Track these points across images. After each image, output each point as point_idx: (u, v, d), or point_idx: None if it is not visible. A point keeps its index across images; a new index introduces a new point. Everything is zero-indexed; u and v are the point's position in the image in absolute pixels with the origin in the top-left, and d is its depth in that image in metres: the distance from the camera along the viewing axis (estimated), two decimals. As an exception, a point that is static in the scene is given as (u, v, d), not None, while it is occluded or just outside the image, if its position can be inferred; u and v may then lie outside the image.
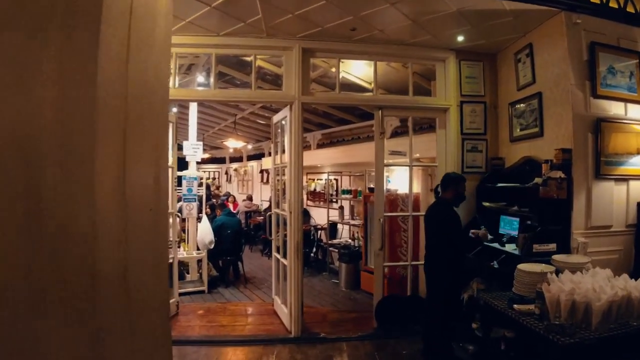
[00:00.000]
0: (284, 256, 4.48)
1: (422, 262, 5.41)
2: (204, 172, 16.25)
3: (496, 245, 3.97)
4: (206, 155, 13.95)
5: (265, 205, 11.83)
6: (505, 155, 4.60)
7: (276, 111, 5.16)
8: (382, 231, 4.34)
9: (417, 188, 6.46)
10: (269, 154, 12.02)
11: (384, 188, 4.43)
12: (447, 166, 4.53)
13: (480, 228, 4.21)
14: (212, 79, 4.08)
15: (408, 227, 6.16)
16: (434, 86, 4.86)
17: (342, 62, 4.55)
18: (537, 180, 3.67)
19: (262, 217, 10.23)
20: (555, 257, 3.08)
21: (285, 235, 4.46)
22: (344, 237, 7.87)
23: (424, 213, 5.65)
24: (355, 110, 7.63)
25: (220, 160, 16.21)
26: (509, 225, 4.19)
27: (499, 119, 4.74)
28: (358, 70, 5.70)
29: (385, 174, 7.14)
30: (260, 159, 12.26)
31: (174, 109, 9.12)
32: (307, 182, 9.41)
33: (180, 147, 6.53)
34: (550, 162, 3.59)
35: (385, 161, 4.38)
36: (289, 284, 4.21)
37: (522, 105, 4.25)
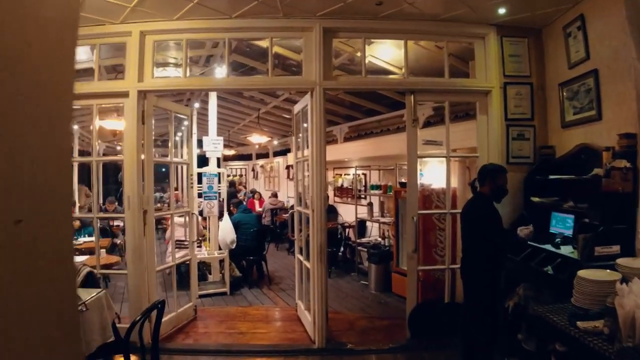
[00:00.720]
0: (307, 258, 4.11)
1: (457, 266, 4.97)
2: (231, 169, 16.16)
3: (548, 247, 3.44)
4: (232, 152, 13.80)
5: (292, 202, 11.53)
6: (556, 143, 4.05)
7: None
8: (416, 231, 3.88)
9: (453, 182, 5.93)
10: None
11: (418, 183, 3.96)
12: (490, 157, 4.02)
13: (528, 226, 3.71)
14: (225, 66, 3.74)
15: (446, 225, 5.65)
16: (473, 67, 4.34)
17: (369, 43, 4.10)
18: (597, 171, 3.16)
19: (288, 215, 9.92)
20: (621, 261, 2.56)
21: (308, 235, 4.08)
22: (373, 235, 7.42)
23: (456, 210, 5.22)
24: (384, 100, 7.14)
25: (246, 157, 16.05)
26: (562, 224, 3.66)
27: (548, 102, 4.20)
28: (385, 55, 5.23)
29: (418, 167, 6.68)
30: (286, 154, 11.95)
31: (196, 104, 8.92)
32: (333, 177, 9.00)
33: (200, 144, 6.30)
34: (613, 150, 3.05)
35: (418, 152, 3.90)
36: (312, 289, 3.83)
37: (574, 85, 3.70)
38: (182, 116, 4.39)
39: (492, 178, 3.26)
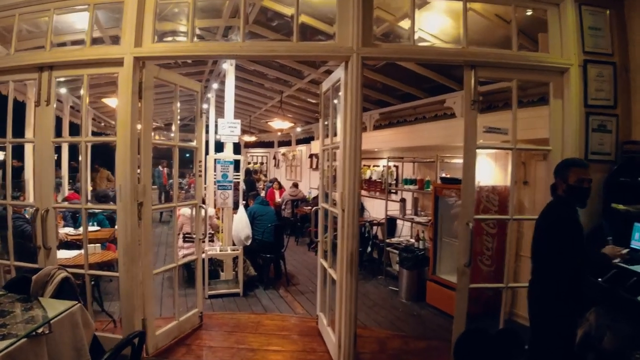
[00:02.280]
0: (332, 266, 3.41)
1: (519, 284, 4.18)
2: (252, 156, 15.58)
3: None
4: (253, 139, 13.18)
5: (315, 193, 10.83)
6: (642, 137, 3.25)
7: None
8: (471, 240, 3.11)
9: (501, 180, 5.10)
10: (319, 137, 10.97)
11: (474, 180, 3.17)
12: (565, 150, 3.22)
13: (607, 241, 2.95)
14: (240, 29, 3.02)
15: (498, 231, 4.85)
16: (543, 41, 3.51)
17: (419, 6, 3.29)
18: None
19: (309, 207, 9.23)
20: None
21: (335, 237, 3.38)
22: (404, 235, 6.64)
23: (521, 216, 4.42)
24: (423, 83, 6.29)
25: (268, 145, 15.41)
26: (648, 239, 2.90)
27: (633, 88, 3.39)
28: (432, 27, 4.40)
29: (461, 160, 5.83)
30: (310, 142, 11.21)
31: (215, 85, 8.28)
32: (361, 168, 8.22)
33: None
34: None
35: (478, 142, 3.11)
36: (339, 305, 3.13)
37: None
38: (190, 92, 3.72)
39: (561, 174, 2.59)
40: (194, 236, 5.33)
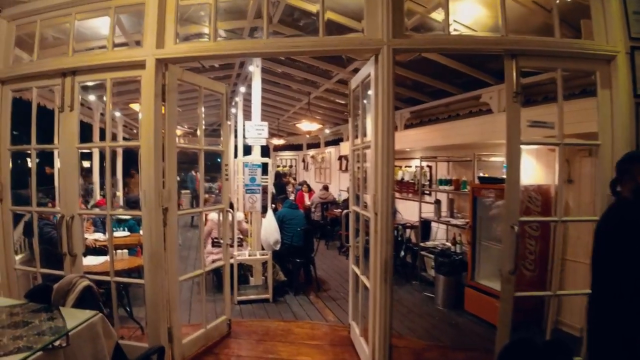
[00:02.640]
0: (365, 273, 3.21)
1: (567, 292, 3.87)
2: (281, 159, 15.55)
3: None
4: (281, 142, 13.13)
5: (344, 196, 10.63)
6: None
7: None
8: (517, 245, 2.83)
9: (543, 178, 4.75)
10: (348, 138, 10.79)
11: (519, 179, 2.89)
12: (615, 144, 2.89)
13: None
14: (264, 26, 2.88)
15: (541, 233, 4.52)
16: (586, 27, 3.20)
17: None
18: None
19: (340, 210, 9.04)
20: None
21: (367, 242, 3.19)
22: (439, 238, 6.33)
23: (569, 217, 4.09)
24: (456, 78, 5.99)
25: (297, 147, 15.34)
26: None
27: None
28: (465, 17, 4.13)
29: (499, 158, 5.49)
30: (339, 144, 11.03)
31: (242, 89, 8.26)
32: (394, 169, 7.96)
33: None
34: None
35: (522, 138, 2.85)
36: (372, 315, 2.92)
37: None
38: (216, 94, 3.62)
39: (628, 171, 2.21)
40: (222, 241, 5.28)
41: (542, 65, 3.14)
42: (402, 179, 7.59)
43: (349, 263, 3.67)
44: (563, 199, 3.50)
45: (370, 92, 2.99)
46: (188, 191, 13.10)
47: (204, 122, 4.28)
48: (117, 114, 7.59)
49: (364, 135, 3.34)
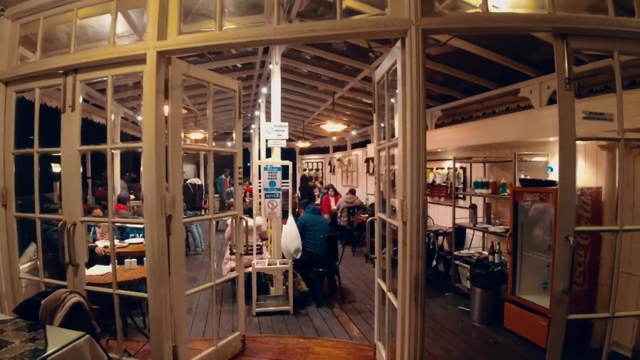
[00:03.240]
0: (393, 289, 2.82)
1: (628, 313, 3.34)
2: (307, 162, 15.26)
3: None
4: (307, 144, 12.84)
5: (372, 200, 10.20)
6: None
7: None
8: (572, 258, 2.37)
9: (591, 179, 4.21)
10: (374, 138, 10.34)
11: (575, 181, 2.43)
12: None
13: None
14: (274, 10, 2.56)
15: (591, 242, 3.99)
16: None
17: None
18: None
19: (366, 215, 8.63)
20: None
21: (394, 252, 2.81)
22: (474, 246, 5.83)
23: (633, 226, 3.55)
24: (491, 72, 5.49)
25: (323, 150, 15.01)
26: None
27: None
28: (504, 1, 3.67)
29: (542, 158, 4.96)
30: (366, 145, 10.63)
31: (264, 90, 8.01)
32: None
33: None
34: None
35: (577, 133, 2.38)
36: (400, 339, 2.52)
37: None
38: (227, 91, 3.34)
39: None
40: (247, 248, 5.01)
41: (597, 46, 2.65)
42: (434, 181, 7.12)
43: (375, 277, 3.28)
44: (625, 203, 2.99)
45: (397, 84, 2.62)
46: (217, 195, 13.01)
47: (224, 126, 4.03)
48: (140, 117, 7.47)
49: (392, 134, 2.95)
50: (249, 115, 12.14)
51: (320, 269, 5.30)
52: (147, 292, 2.79)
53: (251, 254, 5.08)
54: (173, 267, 2.83)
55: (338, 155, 13.56)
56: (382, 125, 3.24)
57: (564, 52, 2.42)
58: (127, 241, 5.19)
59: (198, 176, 12.95)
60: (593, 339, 3.98)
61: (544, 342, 3.92)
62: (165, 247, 2.76)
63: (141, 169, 2.78)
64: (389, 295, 2.83)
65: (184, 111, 5.32)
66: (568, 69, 2.41)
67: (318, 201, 10.71)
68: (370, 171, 10.75)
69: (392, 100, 2.93)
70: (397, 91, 2.83)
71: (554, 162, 4.61)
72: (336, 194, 10.43)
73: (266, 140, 5.25)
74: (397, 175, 2.49)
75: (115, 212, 6.48)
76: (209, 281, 3.23)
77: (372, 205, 9.55)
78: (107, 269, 3.95)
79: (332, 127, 7.57)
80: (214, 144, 3.36)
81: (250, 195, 10.90)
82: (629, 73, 3.87)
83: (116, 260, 3.04)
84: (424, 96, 2.32)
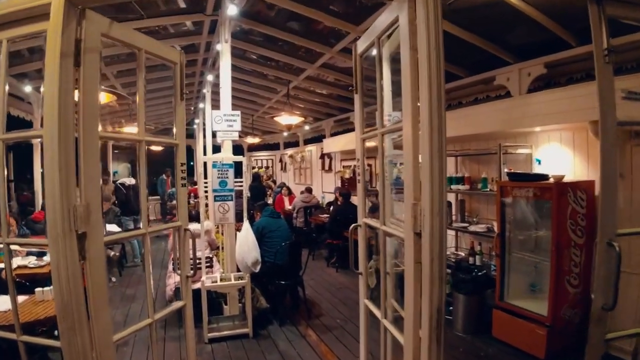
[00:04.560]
0: (386, 315, 2.21)
1: None
2: (255, 160, 14.42)
3: None
4: (256, 140, 11.99)
5: (328, 198, 9.62)
6: None
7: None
8: (618, 267, 1.89)
9: (582, 173, 3.91)
10: (331, 135, 9.77)
11: (616, 175, 1.95)
12: None
13: None
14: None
15: (586, 240, 3.67)
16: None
17: None
18: None
19: (325, 215, 8.02)
20: None
21: (397, 267, 2.20)
22: (448, 247, 5.41)
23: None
24: (464, 58, 5.07)
25: (273, 147, 14.21)
26: None
27: None
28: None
29: (526, 150, 4.60)
30: (321, 141, 10.00)
31: (210, 77, 7.13)
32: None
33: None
34: None
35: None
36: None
37: None
38: (166, 63, 2.53)
39: None
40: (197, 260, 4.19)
41: (634, 15, 2.21)
42: (398, 177, 6.65)
43: (360, 297, 2.65)
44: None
45: (401, 46, 1.99)
46: (158, 197, 11.74)
47: (164, 121, 3.15)
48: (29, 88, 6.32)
49: (387, 110, 2.31)
50: (192, 108, 11.06)
51: (282, 282, 4.59)
52: (60, 340, 1.95)
53: (200, 269, 4.27)
54: (93, 306, 2.00)
55: (290, 151, 12.84)
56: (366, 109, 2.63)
57: (600, 19, 1.93)
58: (46, 258, 4.16)
59: (134, 176, 11.62)
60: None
61: (542, 352, 3.54)
62: (78, 278, 1.92)
63: (43, 166, 1.93)
64: (388, 325, 2.20)
65: (113, 97, 4.36)
66: (606, 38, 1.92)
67: (270, 201, 9.95)
68: (326, 168, 10.16)
69: (384, 69, 2.29)
70: (391, 62, 2.22)
71: (540, 154, 4.26)
72: (290, 193, 9.73)
73: (213, 134, 4.46)
74: (405, 170, 1.86)
75: (36, 222, 5.35)
76: (152, 297, 2.41)
77: (329, 203, 8.95)
78: (19, 299, 2.99)
79: (288, 119, 6.85)
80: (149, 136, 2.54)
81: (196, 197, 9.88)
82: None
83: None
84: (443, 62, 1.71)
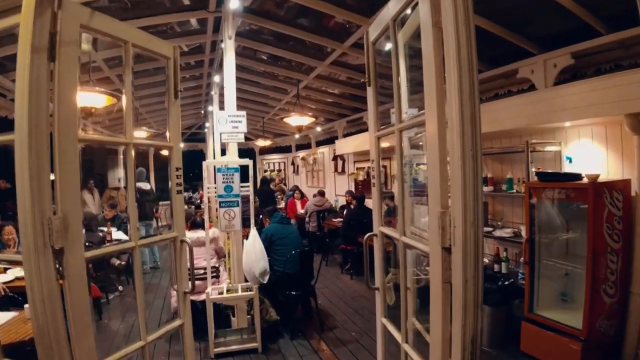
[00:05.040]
0: (408, 339, 1.92)
1: None
2: (267, 163, 14.23)
3: None
4: (267, 143, 11.78)
5: (341, 201, 9.32)
6: None
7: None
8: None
9: (616, 171, 3.56)
10: (343, 136, 9.49)
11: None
12: None
13: None
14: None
15: (623, 245, 3.32)
16: None
17: None
18: None
19: (339, 219, 7.73)
20: None
21: (418, 283, 1.92)
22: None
23: None
24: (484, 51, 4.74)
25: (285, 149, 13.99)
26: None
27: None
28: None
29: (554, 147, 4.26)
30: (333, 142, 9.72)
31: (216, 78, 6.94)
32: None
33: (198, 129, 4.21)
34: None
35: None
36: None
37: None
38: (158, 57, 2.29)
39: None
40: (199, 270, 4.00)
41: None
42: (416, 178, 6.33)
43: (377, 316, 2.36)
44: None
45: (412, 42, 1.72)
46: (169, 202, 11.55)
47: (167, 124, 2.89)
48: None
49: (407, 101, 2.02)
50: (202, 112, 10.92)
51: (293, 292, 4.31)
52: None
53: (205, 278, 4.04)
54: (74, 328, 1.77)
55: (302, 154, 12.60)
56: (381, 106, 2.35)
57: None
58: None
59: (148, 180, 11.49)
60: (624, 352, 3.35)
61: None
62: (56, 299, 1.69)
63: (16, 172, 1.70)
64: (410, 352, 1.91)
65: (115, 100, 4.15)
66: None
67: (282, 205, 9.70)
68: (339, 170, 9.88)
69: (400, 58, 2.00)
70: (406, 49, 1.95)
71: (570, 151, 3.91)
72: (302, 197, 9.47)
73: (220, 135, 4.23)
74: (430, 172, 1.57)
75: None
76: (159, 307, 2.17)
77: (342, 207, 8.66)
78: (6, 316, 2.81)
79: (298, 120, 6.60)
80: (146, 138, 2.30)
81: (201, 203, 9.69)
82: None
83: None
84: (476, 48, 1.42)
